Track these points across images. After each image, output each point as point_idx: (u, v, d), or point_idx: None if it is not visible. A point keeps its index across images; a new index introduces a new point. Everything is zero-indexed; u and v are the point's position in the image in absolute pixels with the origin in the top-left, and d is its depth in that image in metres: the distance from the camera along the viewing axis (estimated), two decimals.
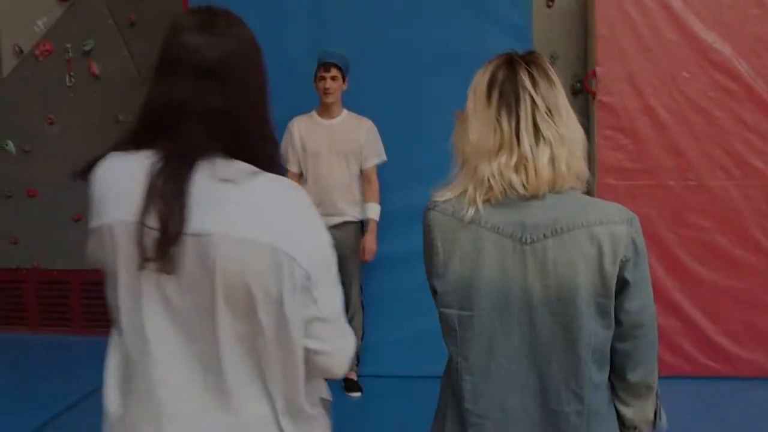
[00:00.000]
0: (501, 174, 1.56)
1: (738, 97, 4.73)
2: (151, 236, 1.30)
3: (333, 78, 4.42)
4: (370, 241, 4.55)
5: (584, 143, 1.63)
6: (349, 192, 4.54)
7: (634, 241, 1.56)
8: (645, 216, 4.74)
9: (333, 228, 4.59)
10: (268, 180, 1.37)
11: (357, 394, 4.57)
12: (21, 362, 5.52)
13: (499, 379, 1.61)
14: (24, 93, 5.87)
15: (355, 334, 4.54)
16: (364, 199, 4.57)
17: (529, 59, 1.63)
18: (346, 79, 4.50)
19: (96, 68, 5.78)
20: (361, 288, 4.68)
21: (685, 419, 3.29)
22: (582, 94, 5.30)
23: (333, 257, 1.43)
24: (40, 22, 5.80)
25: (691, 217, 4.80)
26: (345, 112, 4.57)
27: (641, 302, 1.59)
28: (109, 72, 5.74)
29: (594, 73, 4.82)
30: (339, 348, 1.44)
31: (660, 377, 1.70)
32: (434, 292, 1.67)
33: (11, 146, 5.97)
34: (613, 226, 1.55)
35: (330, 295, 1.41)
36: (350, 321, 4.59)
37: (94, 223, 1.42)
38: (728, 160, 4.77)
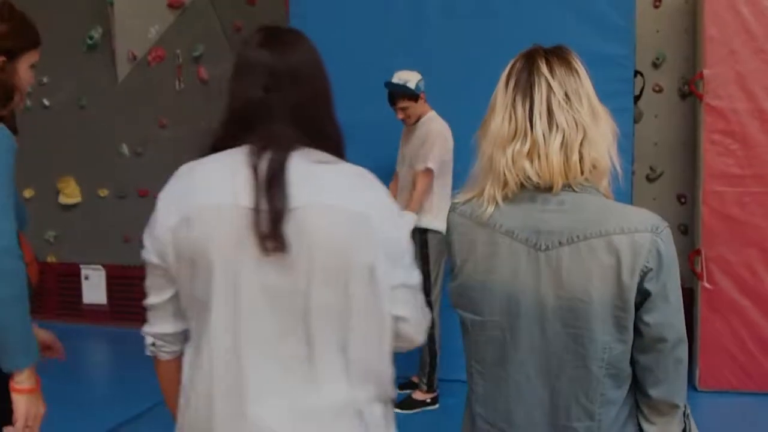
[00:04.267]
0: (515, 162, 1.52)
1: None
2: (262, 218, 1.36)
3: (402, 109, 4.40)
4: None
5: (613, 135, 1.56)
6: (408, 198, 4.47)
7: (658, 251, 1.46)
8: (755, 225, 4.56)
9: None
10: (352, 166, 1.50)
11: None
12: (131, 353, 5.78)
13: (508, 390, 1.56)
14: (137, 98, 6.15)
15: (424, 356, 4.49)
16: None
17: (550, 49, 1.59)
18: (421, 95, 4.43)
19: (204, 73, 5.99)
20: (428, 305, 4.44)
21: None
22: (690, 97, 5.11)
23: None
24: (152, 30, 6.06)
25: None
26: (426, 116, 4.47)
27: (663, 316, 1.49)
28: (216, 77, 5.91)
29: (701, 76, 4.63)
30: (420, 315, 1.51)
31: None
32: (451, 293, 1.67)
33: (125, 149, 6.26)
34: (635, 235, 1.46)
35: (412, 264, 1.50)
36: None
37: (179, 214, 1.40)
38: None
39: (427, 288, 4.43)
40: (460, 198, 1.65)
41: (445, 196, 4.38)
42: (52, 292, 6.55)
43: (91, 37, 6.25)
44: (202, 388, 1.43)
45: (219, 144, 1.48)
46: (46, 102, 6.48)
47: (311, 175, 1.42)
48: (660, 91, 5.26)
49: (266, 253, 1.36)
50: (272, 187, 1.37)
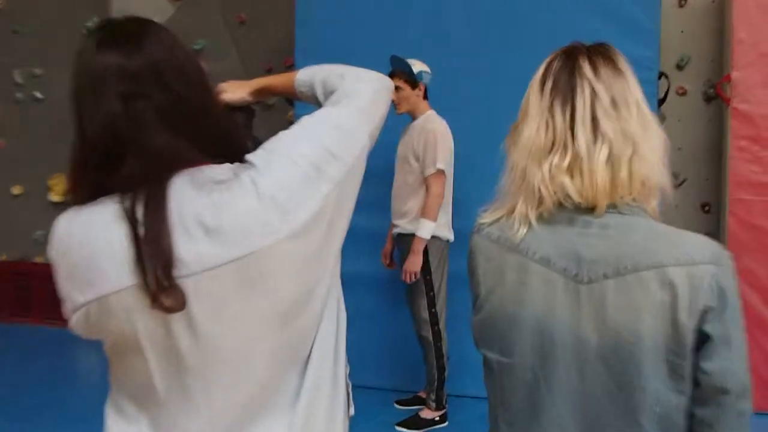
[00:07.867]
0: (552, 178, 1.31)
1: None
2: (150, 282, 1.16)
3: (395, 88, 4.05)
4: (409, 261, 4.09)
5: (664, 148, 1.34)
6: (402, 201, 4.23)
7: (720, 287, 1.24)
8: None
9: (396, 240, 4.36)
10: (249, 166, 1.23)
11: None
12: None
13: None
14: None
15: (430, 370, 4.26)
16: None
17: (593, 47, 1.37)
18: (420, 85, 4.20)
19: (205, 68, 5.80)
20: (433, 317, 4.22)
21: None
22: (715, 101, 4.93)
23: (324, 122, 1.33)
24: None
25: None
26: (424, 115, 4.22)
27: (725, 363, 1.25)
28: (218, 71, 5.74)
29: (729, 78, 4.44)
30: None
31: None
32: (474, 328, 1.44)
33: None
34: (693, 268, 1.24)
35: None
36: (424, 357, 4.32)
37: (83, 296, 1.21)
38: None
39: (431, 298, 4.20)
40: (487, 218, 1.43)
41: (446, 200, 4.16)
42: (40, 294, 6.34)
43: (87, 28, 6.05)
44: None
45: (91, 188, 1.21)
46: (38, 95, 6.34)
47: (227, 207, 1.18)
48: (684, 94, 5.08)
49: (168, 311, 1.16)
50: (154, 249, 1.15)
